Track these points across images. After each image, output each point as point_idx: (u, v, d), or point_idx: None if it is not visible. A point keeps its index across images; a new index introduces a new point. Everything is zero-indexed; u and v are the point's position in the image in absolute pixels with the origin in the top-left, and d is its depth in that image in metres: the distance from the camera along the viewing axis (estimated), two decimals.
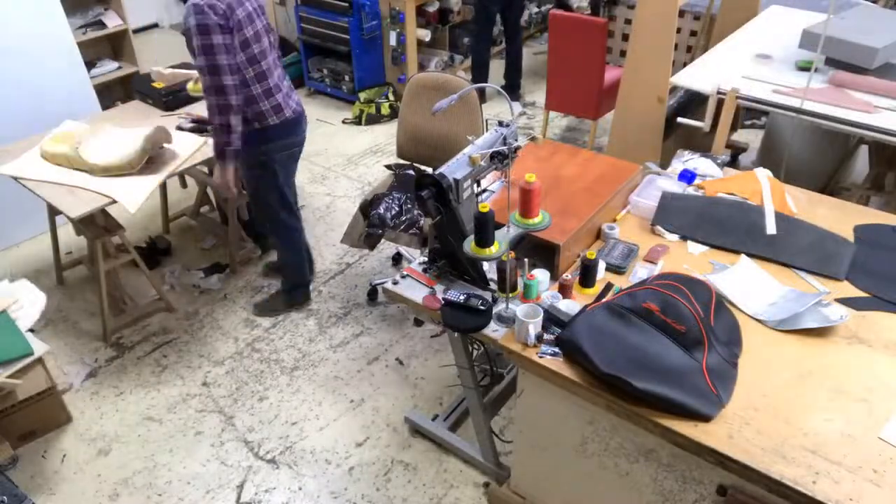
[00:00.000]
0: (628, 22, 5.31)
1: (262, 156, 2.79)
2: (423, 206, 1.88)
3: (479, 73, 5.07)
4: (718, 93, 3.01)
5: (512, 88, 5.16)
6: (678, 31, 4.50)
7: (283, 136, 2.80)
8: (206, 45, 2.41)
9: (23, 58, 3.46)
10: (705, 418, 1.57)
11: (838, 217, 2.21)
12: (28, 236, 3.86)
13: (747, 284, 1.96)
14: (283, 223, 3.04)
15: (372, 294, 3.36)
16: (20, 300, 2.54)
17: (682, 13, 4.60)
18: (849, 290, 1.95)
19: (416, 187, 1.89)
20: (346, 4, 4.78)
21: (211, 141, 3.08)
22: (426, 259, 2.14)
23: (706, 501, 1.69)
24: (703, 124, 3.10)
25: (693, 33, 4.93)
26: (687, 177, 2.36)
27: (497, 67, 5.35)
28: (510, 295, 1.93)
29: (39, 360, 2.61)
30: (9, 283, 2.64)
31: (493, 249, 1.79)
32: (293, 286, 3.28)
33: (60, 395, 2.74)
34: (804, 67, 3.13)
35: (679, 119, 3.24)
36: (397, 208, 2.94)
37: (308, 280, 3.33)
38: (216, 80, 2.47)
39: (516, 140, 1.91)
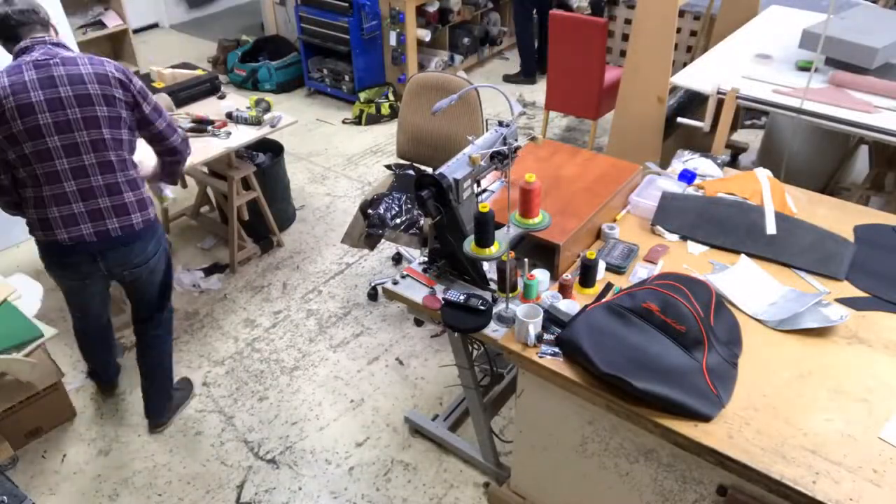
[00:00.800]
0: (628, 22, 5.31)
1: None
2: (423, 206, 1.88)
3: (529, 53, 5.39)
4: (718, 93, 3.01)
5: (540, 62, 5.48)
6: (678, 31, 4.50)
7: (47, 257, 2.28)
8: None
9: None
10: (705, 418, 1.57)
11: (838, 217, 2.21)
12: (28, 236, 3.84)
13: (747, 284, 1.96)
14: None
15: (372, 294, 3.36)
16: (18, 290, 2.55)
17: (682, 13, 4.61)
18: (849, 290, 1.95)
19: (416, 187, 1.90)
20: (346, 4, 4.79)
21: (210, 141, 3.08)
22: (426, 259, 2.14)
23: (706, 501, 1.69)
24: (703, 124, 3.10)
25: (693, 33, 4.94)
26: (687, 177, 2.36)
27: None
28: (510, 295, 1.93)
29: (47, 354, 2.63)
30: (3, 277, 2.64)
31: (493, 249, 1.79)
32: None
33: (65, 391, 2.76)
34: (804, 67, 3.13)
35: (679, 119, 3.24)
36: (397, 208, 2.94)
37: (91, 367, 2.86)
38: None
39: (516, 140, 1.91)
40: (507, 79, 5.52)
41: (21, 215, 2.27)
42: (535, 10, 5.23)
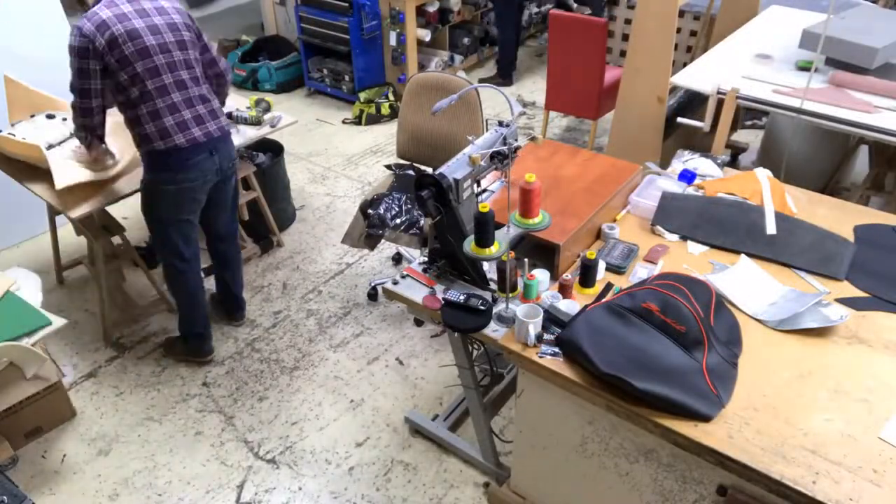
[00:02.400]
0: (628, 22, 5.31)
1: (148, 183, 2.61)
2: (423, 206, 1.88)
3: (508, 59, 5.40)
4: (718, 93, 3.01)
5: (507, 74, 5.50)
6: (678, 31, 4.50)
7: (168, 166, 2.54)
8: (73, 68, 2.41)
9: (23, 58, 3.46)
10: (705, 418, 1.57)
11: (838, 217, 2.22)
12: (28, 236, 3.86)
13: (747, 284, 1.96)
14: (167, 263, 2.83)
15: (372, 294, 3.36)
16: (17, 282, 2.56)
17: (681, 13, 4.61)
18: (849, 290, 1.95)
19: (416, 187, 1.90)
20: (346, 4, 4.79)
21: None
22: (426, 259, 2.14)
23: (706, 501, 1.69)
24: (703, 124, 3.10)
25: (693, 33, 4.94)
26: (687, 177, 2.36)
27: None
28: (510, 295, 1.93)
29: (46, 354, 2.62)
30: (2, 272, 2.64)
31: (493, 249, 1.79)
32: (183, 334, 3.00)
33: (66, 390, 2.76)
34: (804, 67, 3.13)
35: (679, 119, 3.24)
36: (397, 208, 2.94)
37: (199, 332, 2.96)
38: (83, 103, 2.47)
39: (516, 140, 1.91)
40: (483, 81, 5.49)
41: (94, 140, 2.66)
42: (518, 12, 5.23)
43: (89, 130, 2.58)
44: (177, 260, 2.79)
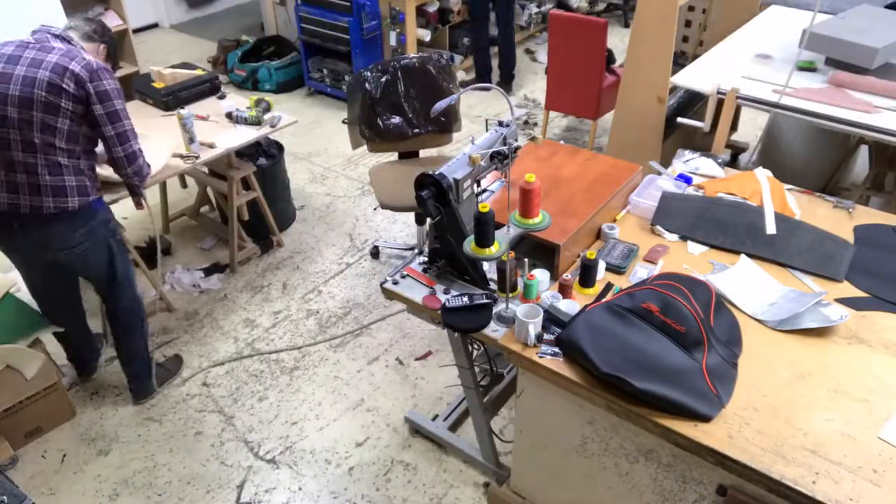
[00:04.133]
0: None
1: None
2: (424, 205, 1.88)
3: (484, 68, 5.27)
4: (718, 93, 3.01)
5: (507, 81, 5.35)
6: (688, 24, 4.49)
7: None
8: None
9: None
10: (705, 418, 1.57)
11: (838, 217, 2.22)
12: None
13: (747, 284, 1.96)
14: None
15: (374, 252, 3.55)
16: (17, 284, 2.56)
17: (691, 7, 4.57)
18: (849, 290, 1.95)
19: (416, 187, 1.90)
20: (347, 4, 4.79)
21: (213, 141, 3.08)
22: (426, 259, 2.14)
23: (706, 501, 1.69)
24: (703, 124, 3.10)
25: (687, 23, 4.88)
26: (683, 179, 2.36)
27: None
28: (510, 295, 1.93)
29: (46, 354, 2.63)
30: (2, 274, 2.65)
31: (493, 249, 1.79)
32: None
33: (65, 390, 2.76)
34: (804, 67, 3.13)
35: (679, 119, 3.24)
36: None
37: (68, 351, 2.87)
38: None
39: (516, 140, 1.91)
40: (464, 84, 5.46)
41: None
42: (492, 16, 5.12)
43: None
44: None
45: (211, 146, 3.02)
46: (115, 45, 2.41)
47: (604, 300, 1.83)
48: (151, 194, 2.84)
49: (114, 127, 2.26)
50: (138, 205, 2.59)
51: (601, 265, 1.99)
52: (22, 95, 2.14)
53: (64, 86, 2.15)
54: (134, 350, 2.76)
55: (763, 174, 2.32)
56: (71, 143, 2.25)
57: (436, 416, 2.69)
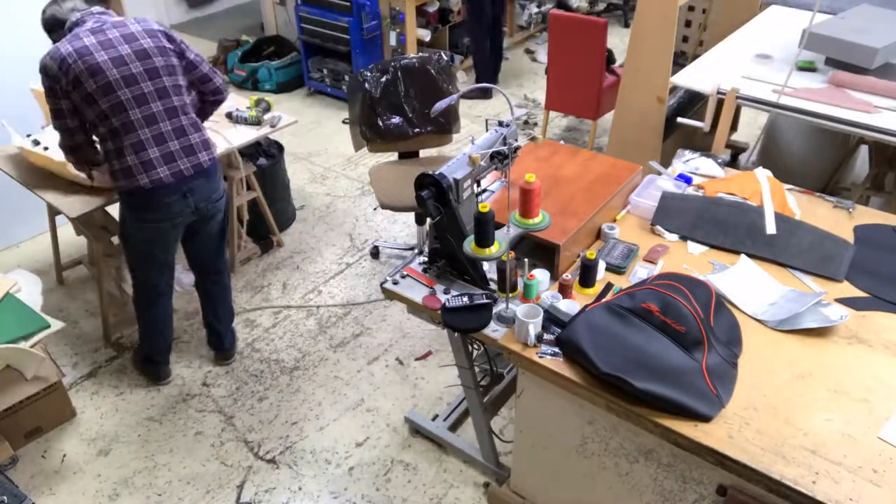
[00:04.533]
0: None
1: (121, 215, 2.54)
2: (424, 205, 1.88)
3: (485, 69, 5.26)
4: (718, 93, 3.01)
5: (494, 74, 5.40)
6: (688, 24, 4.49)
7: (133, 206, 2.45)
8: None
9: (22, 59, 3.45)
10: (705, 418, 1.57)
11: (838, 217, 2.22)
12: (28, 236, 3.86)
13: (747, 284, 1.96)
14: (135, 285, 2.74)
15: (374, 252, 3.56)
16: (18, 283, 2.56)
17: (691, 7, 4.57)
18: (849, 290, 1.95)
19: (416, 187, 1.90)
20: (347, 4, 4.79)
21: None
22: (426, 259, 2.14)
23: (706, 501, 1.69)
24: (703, 124, 3.10)
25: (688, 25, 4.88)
26: (683, 179, 2.36)
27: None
28: (510, 295, 1.93)
29: (47, 354, 2.63)
30: (2, 274, 2.65)
31: (493, 249, 1.79)
32: (143, 354, 2.94)
33: (66, 390, 2.76)
34: (804, 67, 3.13)
35: (679, 119, 3.24)
36: None
37: (156, 360, 2.90)
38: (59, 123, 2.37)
39: (516, 140, 1.91)
40: (463, 95, 5.41)
41: (87, 170, 2.59)
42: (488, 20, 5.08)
43: (74, 152, 2.45)
44: (144, 288, 2.71)
45: None
46: None
47: (604, 300, 1.83)
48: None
49: (204, 62, 2.54)
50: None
51: (601, 265, 1.99)
52: (146, 69, 2.31)
53: (166, 45, 2.38)
54: (231, 306, 2.98)
55: (763, 174, 2.32)
56: (189, 97, 2.48)
57: (436, 416, 2.69)
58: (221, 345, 3.00)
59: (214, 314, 2.94)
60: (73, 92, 2.25)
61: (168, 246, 2.60)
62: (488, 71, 5.29)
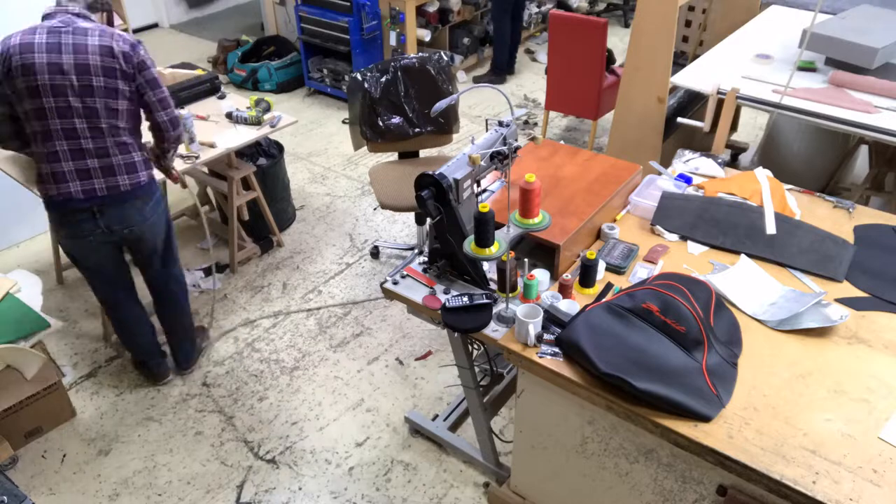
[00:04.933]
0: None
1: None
2: (424, 205, 1.88)
3: (502, 62, 5.43)
4: (718, 93, 3.01)
5: (511, 63, 5.54)
6: (688, 24, 4.50)
7: (52, 217, 2.42)
8: None
9: None
10: (705, 419, 1.57)
11: (838, 217, 2.22)
12: (28, 236, 3.86)
13: (747, 284, 1.96)
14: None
15: (374, 252, 3.57)
16: (18, 283, 2.56)
17: (691, 8, 4.58)
18: (849, 290, 1.95)
19: (416, 187, 1.90)
20: (347, 4, 4.79)
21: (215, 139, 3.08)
22: (426, 259, 2.14)
23: (706, 501, 1.69)
24: (703, 124, 3.10)
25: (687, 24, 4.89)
26: (683, 179, 2.36)
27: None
28: (510, 295, 1.93)
29: (46, 354, 2.63)
30: (2, 274, 2.65)
31: (493, 249, 1.79)
32: (132, 357, 2.98)
33: (65, 390, 2.76)
34: (804, 67, 3.13)
35: (679, 119, 3.24)
36: None
37: (140, 360, 2.91)
38: None
39: (516, 140, 1.91)
40: (477, 80, 5.48)
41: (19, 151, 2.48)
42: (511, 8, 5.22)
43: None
44: (99, 295, 2.70)
45: (211, 146, 3.03)
46: (111, 8, 2.52)
47: (604, 300, 1.83)
48: None
49: (155, 93, 2.36)
50: (176, 181, 2.71)
51: (601, 265, 1.99)
52: (81, 84, 2.21)
53: (117, 66, 2.24)
54: (187, 319, 2.89)
55: (763, 174, 2.32)
56: (131, 120, 2.36)
57: (436, 416, 2.69)
58: (175, 357, 2.95)
59: (169, 329, 2.88)
60: (4, 81, 2.22)
61: (100, 262, 2.52)
62: (505, 59, 5.39)
